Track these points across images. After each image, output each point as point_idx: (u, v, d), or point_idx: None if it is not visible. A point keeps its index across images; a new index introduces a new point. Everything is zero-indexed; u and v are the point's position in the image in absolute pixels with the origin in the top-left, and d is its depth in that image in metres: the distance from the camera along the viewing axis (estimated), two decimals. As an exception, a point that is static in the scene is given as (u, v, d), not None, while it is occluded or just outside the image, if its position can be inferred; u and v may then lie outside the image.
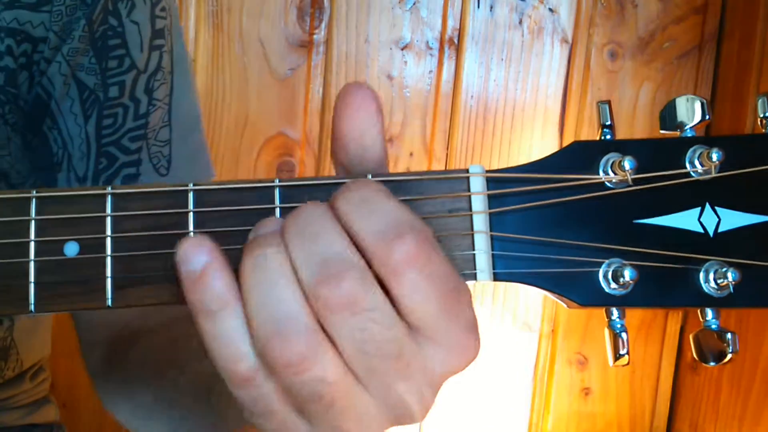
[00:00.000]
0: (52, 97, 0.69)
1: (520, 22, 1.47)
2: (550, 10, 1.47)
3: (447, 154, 1.49)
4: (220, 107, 1.45)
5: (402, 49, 1.46)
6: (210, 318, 0.41)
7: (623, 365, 0.44)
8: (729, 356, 0.42)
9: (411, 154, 1.48)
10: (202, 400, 0.63)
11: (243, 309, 0.41)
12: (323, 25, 1.44)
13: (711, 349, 0.43)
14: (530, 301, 1.52)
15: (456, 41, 1.47)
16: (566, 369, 1.55)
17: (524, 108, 1.49)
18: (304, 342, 0.39)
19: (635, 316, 1.53)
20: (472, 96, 1.48)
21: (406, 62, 1.47)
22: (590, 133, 1.50)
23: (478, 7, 1.46)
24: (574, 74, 1.49)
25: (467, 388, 1.54)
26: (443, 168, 1.47)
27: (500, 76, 1.48)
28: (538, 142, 1.49)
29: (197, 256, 0.41)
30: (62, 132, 0.71)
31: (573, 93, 1.49)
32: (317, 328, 0.40)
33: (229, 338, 0.41)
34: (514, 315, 1.52)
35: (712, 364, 0.43)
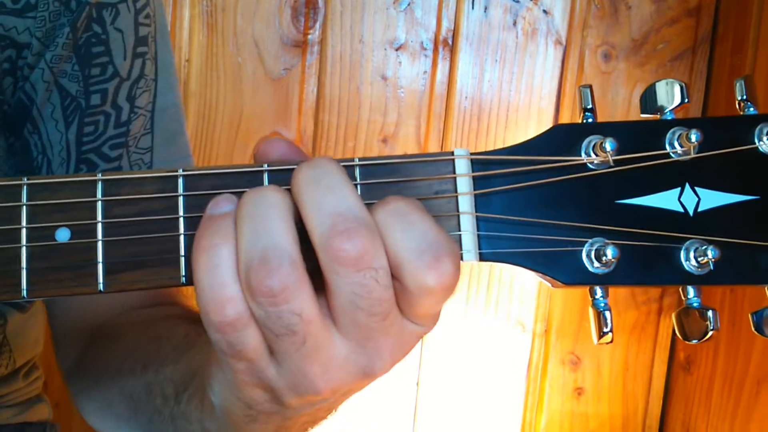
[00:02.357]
0: (34, 102, 0.70)
1: (515, 23, 1.48)
2: (544, 11, 1.48)
3: (441, 154, 1.49)
4: (215, 107, 1.45)
5: (396, 50, 1.47)
6: (207, 252, 0.43)
7: (607, 343, 0.44)
8: (710, 333, 0.43)
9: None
10: (170, 403, 0.63)
11: (236, 243, 0.42)
12: (318, 25, 1.45)
13: (693, 326, 0.44)
14: (524, 300, 1.52)
15: (450, 42, 1.48)
16: (559, 369, 1.56)
17: (518, 109, 1.49)
18: (286, 273, 0.41)
19: (628, 317, 1.53)
20: (466, 97, 1.49)
21: (400, 63, 1.47)
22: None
23: (473, 8, 1.47)
24: (568, 75, 1.49)
25: (461, 386, 1.54)
26: (437, 167, 1.47)
27: (494, 77, 1.49)
28: (531, 143, 1.49)
29: (226, 204, 0.44)
30: (42, 137, 0.71)
31: (567, 94, 1.50)
32: (301, 264, 0.41)
33: (218, 272, 0.42)
34: (508, 314, 1.53)
35: (694, 341, 0.44)
